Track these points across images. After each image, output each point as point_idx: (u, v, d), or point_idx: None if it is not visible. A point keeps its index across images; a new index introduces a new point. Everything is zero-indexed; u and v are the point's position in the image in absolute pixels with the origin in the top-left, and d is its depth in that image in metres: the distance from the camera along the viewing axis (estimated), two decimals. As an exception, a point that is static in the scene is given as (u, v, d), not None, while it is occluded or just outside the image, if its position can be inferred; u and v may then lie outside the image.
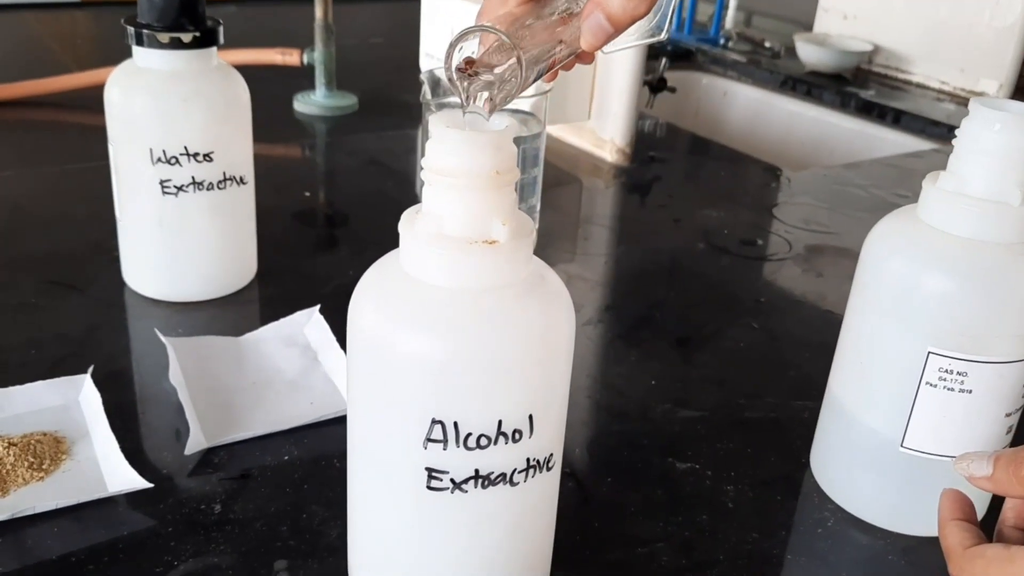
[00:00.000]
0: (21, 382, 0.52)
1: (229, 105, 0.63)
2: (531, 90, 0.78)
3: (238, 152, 0.64)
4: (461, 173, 0.33)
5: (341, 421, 0.53)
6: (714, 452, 0.54)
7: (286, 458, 0.50)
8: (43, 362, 0.57)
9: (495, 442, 0.35)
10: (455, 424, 0.34)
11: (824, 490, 0.50)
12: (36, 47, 1.39)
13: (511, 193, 0.35)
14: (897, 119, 1.28)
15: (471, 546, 0.37)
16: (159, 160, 0.60)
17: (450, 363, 0.34)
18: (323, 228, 0.85)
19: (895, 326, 0.44)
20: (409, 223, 0.35)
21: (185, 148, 0.60)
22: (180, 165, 0.61)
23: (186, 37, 0.59)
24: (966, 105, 0.42)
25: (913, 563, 0.46)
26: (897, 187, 1.01)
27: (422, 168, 0.35)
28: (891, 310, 0.44)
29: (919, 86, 1.40)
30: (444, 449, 0.34)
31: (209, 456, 0.50)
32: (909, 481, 0.46)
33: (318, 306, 0.61)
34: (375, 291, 0.36)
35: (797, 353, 0.66)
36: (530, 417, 0.35)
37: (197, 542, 0.44)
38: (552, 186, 0.91)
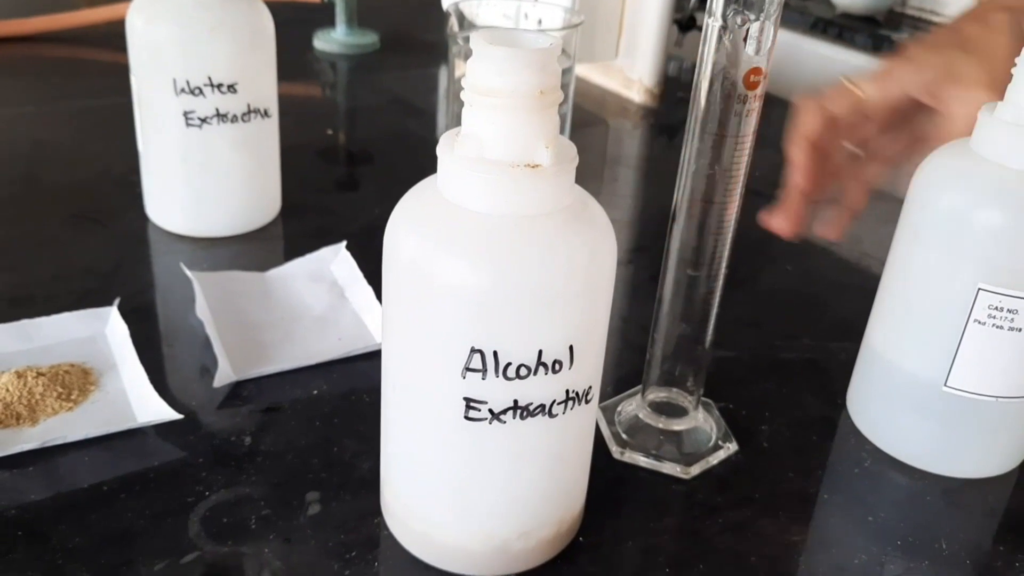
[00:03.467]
0: (48, 315, 0.52)
1: (254, 35, 0.61)
2: (560, 23, 0.77)
3: (263, 84, 0.63)
4: (505, 92, 0.32)
5: (370, 357, 0.52)
6: (749, 392, 0.53)
7: (315, 392, 0.50)
8: (69, 296, 0.56)
9: (535, 372, 0.34)
10: (495, 353, 0.33)
11: (861, 431, 0.49)
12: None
13: (555, 116, 0.33)
14: (931, 62, 1.25)
15: (508, 478, 0.37)
16: (183, 91, 0.59)
17: (491, 291, 0.32)
18: (346, 166, 0.84)
19: (944, 261, 0.43)
20: (448, 146, 0.34)
21: (209, 78, 0.59)
22: (204, 96, 0.59)
23: (210, -37, 0.57)
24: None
25: (953, 504, 0.45)
26: (931, 131, 0.98)
27: (462, 88, 0.33)
28: (941, 245, 0.43)
29: (954, 29, 1.35)
30: (483, 379, 0.33)
31: (237, 390, 0.49)
32: (951, 422, 0.45)
33: (344, 242, 0.60)
34: (413, 217, 0.35)
35: (834, 294, 0.64)
36: (571, 348, 0.34)
37: (228, 473, 0.43)
38: (579, 127, 0.89)
